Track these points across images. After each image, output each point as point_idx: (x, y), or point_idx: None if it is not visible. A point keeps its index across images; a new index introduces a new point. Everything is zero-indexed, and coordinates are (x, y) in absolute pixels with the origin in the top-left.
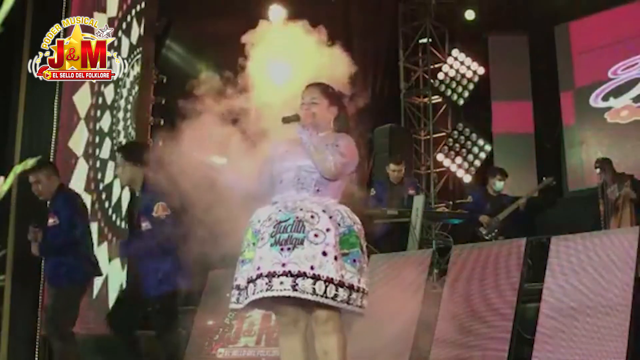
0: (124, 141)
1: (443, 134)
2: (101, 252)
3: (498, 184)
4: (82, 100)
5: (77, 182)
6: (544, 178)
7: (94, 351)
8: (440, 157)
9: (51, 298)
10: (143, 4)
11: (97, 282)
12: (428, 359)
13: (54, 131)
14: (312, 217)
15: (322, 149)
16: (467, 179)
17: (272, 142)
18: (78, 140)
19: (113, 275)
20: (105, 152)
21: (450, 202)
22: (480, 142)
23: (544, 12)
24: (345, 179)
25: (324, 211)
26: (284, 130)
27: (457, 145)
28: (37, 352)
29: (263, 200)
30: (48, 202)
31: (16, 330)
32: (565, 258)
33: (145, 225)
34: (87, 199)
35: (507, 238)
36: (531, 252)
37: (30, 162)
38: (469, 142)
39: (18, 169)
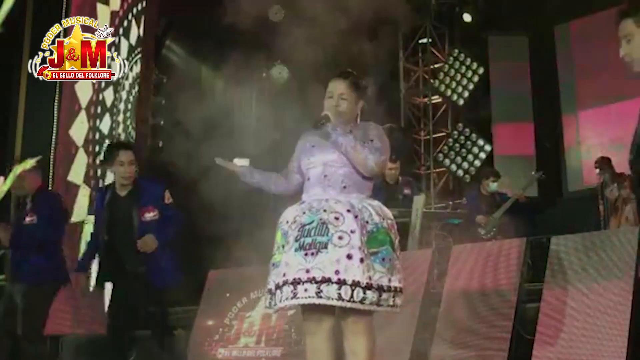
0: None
1: (443, 134)
2: None
3: (492, 185)
4: (84, 90)
5: (77, 173)
6: (532, 173)
7: (90, 351)
8: (440, 157)
9: (21, 297)
10: (144, 3)
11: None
12: (428, 359)
13: (54, 131)
14: (336, 218)
15: (361, 149)
16: (467, 179)
17: (300, 136)
18: (79, 130)
19: None
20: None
21: (450, 202)
22: (480, 142)
23: (544, 12)
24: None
25: (348, 211)
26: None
27: (457, 145)
28: None
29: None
30: (28, 200)
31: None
32: (565, 258)
33: (152, 215)
34: (86, 192)
35: (506, 235)
36: (531, 252)
37: (30, 162)
38: (469, 142)
39: (18, 169)
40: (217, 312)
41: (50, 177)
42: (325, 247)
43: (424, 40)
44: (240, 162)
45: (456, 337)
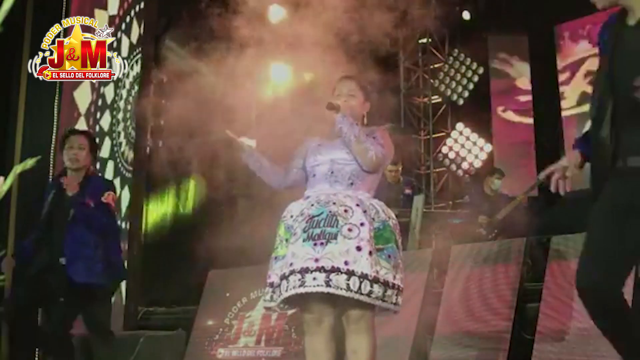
0: (124, 142)
1: (443, 134)
2: None
3: (497, 182)
4: (83, 96)
5: None
6: (538, 177)
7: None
8: (440, 157)
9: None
10: (142, 4)
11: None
12: (428, 359)
13: (54, 131)
14: (345, 211)
15: (363, 139)
16: (467, 179)
17: (305, 138)
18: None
19: None
20: (105, 151)
21: (450, 202)
22: (480, 142)
23: (544, 12)
24: (380, 173)
25: (357, 205)
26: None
27: (457, 145)
28: (37, 353)
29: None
30: None
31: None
32: (566, 258)
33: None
34: None
35: (508, 237)
36: (531, 252)
37: (30, 162)
38: (469, 142)
39: (18, 169)
40: (217, 312)
41: (50, 175)
42: (335, 238)
43: (424, 40)
44: (248, 142)
45: (456, 337)
